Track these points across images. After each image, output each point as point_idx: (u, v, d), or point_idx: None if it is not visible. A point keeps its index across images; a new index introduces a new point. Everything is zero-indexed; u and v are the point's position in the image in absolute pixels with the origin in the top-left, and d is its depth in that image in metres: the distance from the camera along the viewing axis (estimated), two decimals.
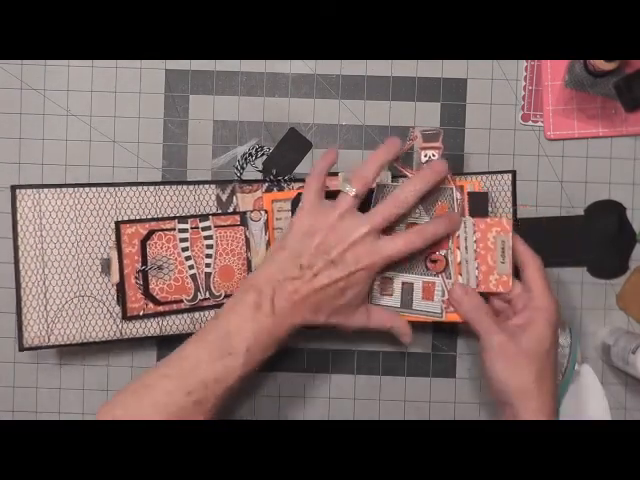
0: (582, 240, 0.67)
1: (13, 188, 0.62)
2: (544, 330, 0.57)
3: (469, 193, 0.62)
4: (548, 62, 0.67)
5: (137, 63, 0.67)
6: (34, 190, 0.62)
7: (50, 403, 0.68)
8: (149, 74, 0.67)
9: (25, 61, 0.67)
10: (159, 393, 0.54)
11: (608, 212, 0.67)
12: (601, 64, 0.61)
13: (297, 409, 0.68)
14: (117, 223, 0.62)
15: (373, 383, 0.68)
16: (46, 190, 0.62)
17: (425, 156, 0.62)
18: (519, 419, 0.56)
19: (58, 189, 0.63)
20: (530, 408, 0.56)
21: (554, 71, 0.67)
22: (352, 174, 0.58)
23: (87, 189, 0.63)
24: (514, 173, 0.66)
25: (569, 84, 0.66)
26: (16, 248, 0.62)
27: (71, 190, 0.63)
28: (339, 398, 0.68)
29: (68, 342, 0.63)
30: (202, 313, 0.64)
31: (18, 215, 0.62)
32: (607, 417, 0.65)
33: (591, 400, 0.66)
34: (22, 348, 0.62)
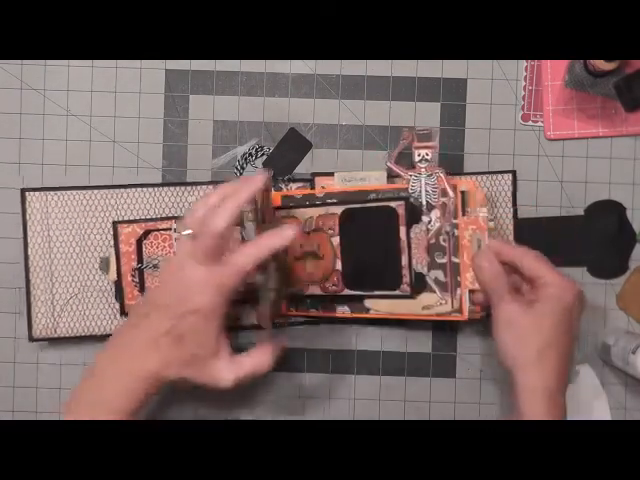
0: (582, 240, 0.67)
1: (23, 191, 0.66)
2: (554, 305, 0.56)
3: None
4: (548, 62, 0.67)
5: (137, 63, 0.67)
6: (42, 193, 0.66)
7: (50, 403, 0.68)
8: (149, 74, 0.67)
9: (25, 61, 0.67)
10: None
11: (608, 212, 0.67)
12: (601, 64, 0.61)
13: (296, 409, 0.68)
14: (115, 223, 0.65)
15: (373, 383, 0.68)
16: (52, 193, 0.66)
17: (419, 155, 0.62)
18: (514, 395, 0.56)
19: (63, 192, 0.66)
20: (528, 382, 0.55)
21: (554, 71, 0.67)
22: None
23: (90, 191, 0.66)
24: (514, 173, 0.66)
25: (569, 84, 0.66)
26: (26, 246, 0.66)
27: (75, 192, 0.66)
28: (339, 398, 0.68)
29: (72, 334, 0.66)
30: None
31: (27, 216, 0.66)
32: (607, 417, 0.66)
33: (591, 400, 0.66)
34: (32, 339, 0.66)
